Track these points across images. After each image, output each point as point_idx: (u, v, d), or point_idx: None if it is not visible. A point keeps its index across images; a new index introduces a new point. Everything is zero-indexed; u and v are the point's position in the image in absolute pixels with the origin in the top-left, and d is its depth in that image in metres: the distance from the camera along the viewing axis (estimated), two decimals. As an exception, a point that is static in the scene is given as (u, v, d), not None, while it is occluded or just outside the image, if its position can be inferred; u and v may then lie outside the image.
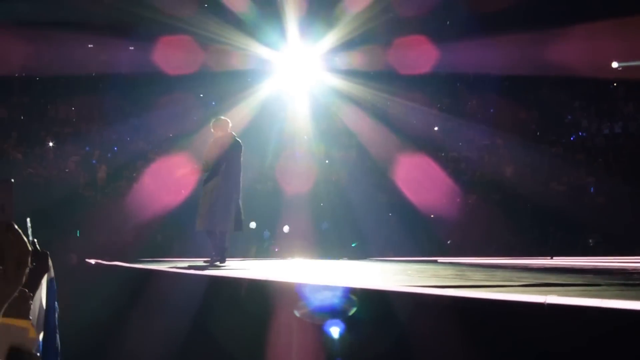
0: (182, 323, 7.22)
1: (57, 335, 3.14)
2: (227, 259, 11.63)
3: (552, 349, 2.88)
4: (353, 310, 4.75)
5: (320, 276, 7.63)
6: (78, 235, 16.56)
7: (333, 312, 4.92)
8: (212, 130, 11.92)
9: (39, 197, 18.29)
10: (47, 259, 2.97)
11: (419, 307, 3.98)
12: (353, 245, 19.00)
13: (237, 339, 6.13)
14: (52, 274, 3.21)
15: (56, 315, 3.14)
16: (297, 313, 5.23)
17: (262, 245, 19.67)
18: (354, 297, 4.79)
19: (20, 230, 2.08)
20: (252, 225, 19.39)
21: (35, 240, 2.95)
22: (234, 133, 11.90)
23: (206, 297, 7.08)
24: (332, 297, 5.04)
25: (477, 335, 3.27)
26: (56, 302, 3.26)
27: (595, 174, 23.26)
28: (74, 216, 18.31)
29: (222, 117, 12.22)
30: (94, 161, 22.39)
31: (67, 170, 21.72)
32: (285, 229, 19.23)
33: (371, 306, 4.51)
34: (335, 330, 4.78)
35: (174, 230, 18.67)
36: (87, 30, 23.82)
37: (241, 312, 6.25)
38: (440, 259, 13.98)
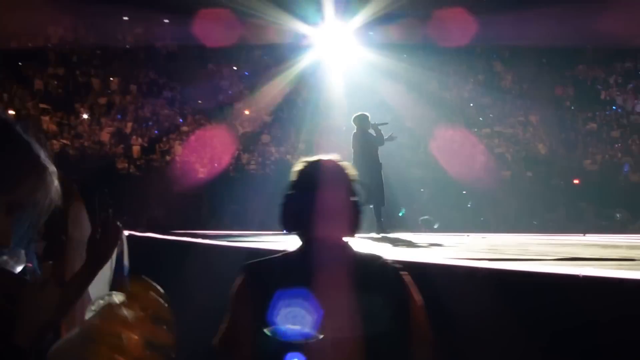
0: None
1: None
2: None
3: (586, 321, 2.88)
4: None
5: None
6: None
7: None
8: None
9: (73, 169, 18.42)
10: (120, 232, 2.86)
11: (452, 279, 3.98)
12: (401, 214, 18.95)
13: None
14: (124, 248, 3.16)
15: None
16: None
17: None
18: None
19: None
20: None
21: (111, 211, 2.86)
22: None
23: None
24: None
25: (511, 307, 3.28)
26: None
27: (628, 152, 23.11)
28: (109, 188, 18.41)
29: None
30: (127, 133, 22.49)
31: (101, 142, 21.85)
32: None
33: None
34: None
35: (208, 203, 18.76)
36: (123, 3, 23.90)
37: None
38: (473, 234, 13.92)
